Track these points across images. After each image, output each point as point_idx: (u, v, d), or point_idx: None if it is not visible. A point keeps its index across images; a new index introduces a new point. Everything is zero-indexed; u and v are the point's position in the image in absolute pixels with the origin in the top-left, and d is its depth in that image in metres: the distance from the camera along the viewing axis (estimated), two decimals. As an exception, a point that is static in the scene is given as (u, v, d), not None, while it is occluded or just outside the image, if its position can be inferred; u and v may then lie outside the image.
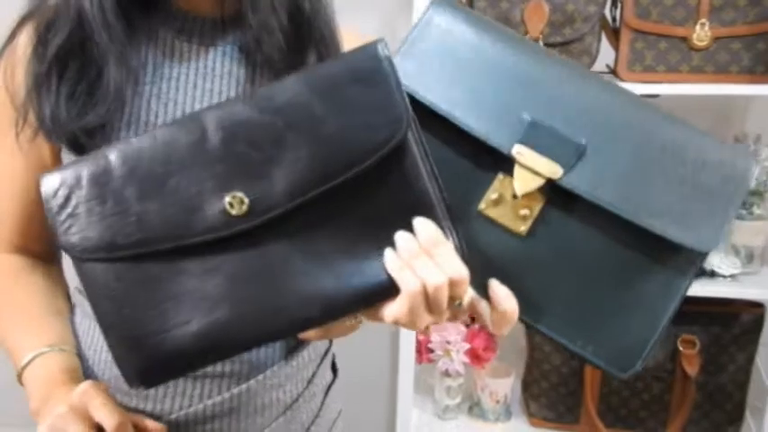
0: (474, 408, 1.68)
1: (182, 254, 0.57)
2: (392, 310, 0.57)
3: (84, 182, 0.57)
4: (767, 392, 1.46)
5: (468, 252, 0.59)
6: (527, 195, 0.60)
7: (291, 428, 0.82)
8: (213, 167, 0.56)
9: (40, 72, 0.70)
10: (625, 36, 1.37)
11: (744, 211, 1.47)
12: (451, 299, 0.57)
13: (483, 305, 0.60)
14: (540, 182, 0.60)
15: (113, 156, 0.57)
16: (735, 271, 1.44)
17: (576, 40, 1.37)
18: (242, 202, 0.56)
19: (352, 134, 0.56)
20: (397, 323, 0.57)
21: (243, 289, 0.57)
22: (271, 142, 0.56)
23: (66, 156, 0.73)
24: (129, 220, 0.56)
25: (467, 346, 1.58)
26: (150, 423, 0.70)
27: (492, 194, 0.62)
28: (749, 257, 1.48)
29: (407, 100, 0.57)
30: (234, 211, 0.56)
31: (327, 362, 0.89)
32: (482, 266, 0.61)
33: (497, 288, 0.59)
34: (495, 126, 0.61)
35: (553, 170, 0.59)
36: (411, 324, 0.57)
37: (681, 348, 1.47)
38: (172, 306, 0.57)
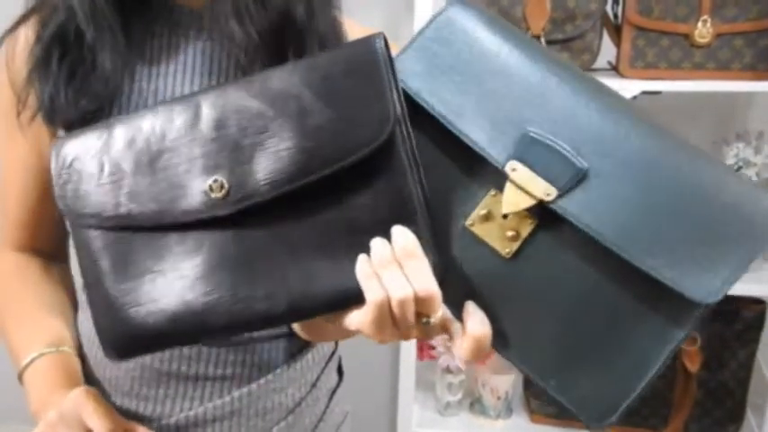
0: (475, 404, 1.69)
1: (166, 231, 0.58)
2: (356, 318, 0.55)
3: (88, 149, 0.59)
4: (768, 389, 1.46)
5: (448, 269, 0.56)
6: (516, 215, 0.56)
7: None
8: (203, 148, 0.57)
9: (40, 54, 0.70)
10: (627, 33, 1.37)
11: (745, 208, 1.47)
12: (419, 315, 0.53)
13: (455, 327, 0.56)
14: (530, 202, 0.55)
15: (117, 127, 0.59)
16: (736, 268, 1.43)
17: (577, 37, 1.37)
18: (222, 186, 0.56)
19: (338, 128, 0.55)
20: (360, 333, 0.55)
21: (217, 274, 0.56)
22: (259, 130, 0.56)
23: None
24: (121, 191, 0.58)
25: (468, 342, 1.58)
26: (142, 430, 0.70)
27: (481, 210, 0.58)
28: (751, 254, 1.47)
29: (402, 98, 0.55)
30: (213, 194, 0.56)
31: (333, 364, 0.88)
32: (461, 286, 0.57)
33: (472, 311, 0.55)
34: (495, 138, 0.57)
35: (546, 191, 0.54)
36: (375, 336, 0.54)
37: (682, 345, 1.47)
38: (148, 281, 0.57)
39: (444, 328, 0.56)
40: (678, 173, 0.53)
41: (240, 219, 0.56)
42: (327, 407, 0.86)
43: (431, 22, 0.61)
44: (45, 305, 0.79)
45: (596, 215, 0.54)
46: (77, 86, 0.69)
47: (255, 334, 0.75)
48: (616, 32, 1.41)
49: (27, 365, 0.72)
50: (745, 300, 1.47)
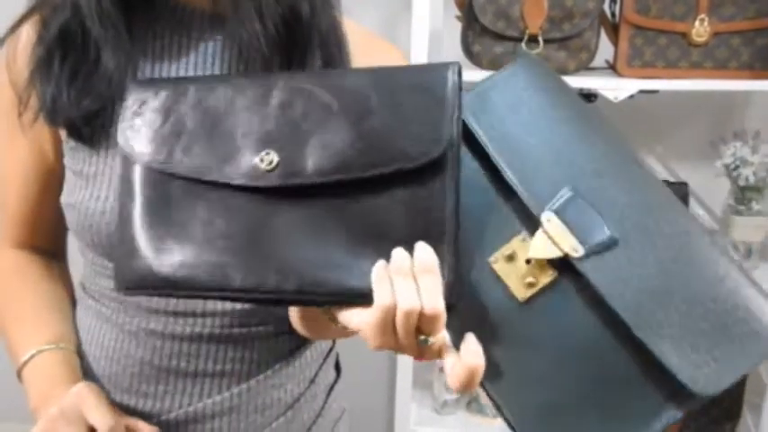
0: (472, 403, 1.69)
1: (207, 188, 0.60)
2: (358, 317, 0.56)
3: (160, 97, 0.63)
4: (765, 389, 1.47)
5: (461, 298, 0.57)
6: (539, 264, 0.58)
7: (292, 428, 0.81)
8: (264, 123, 0.60)
9: (41, 55, 0.70)
10: (624, 32, 1.37)
11: (742, 207, 1.47)
12: (419, 331, 0.54)
13: (451, 353, 0.55)
14: (556, 253, 0.57)
15: (193, 86, 0.63)
16: (734, 267, 1.43)
17: (575, 35, 1.37)
18: (272, 160, 0.58)
19: (394, 135, 0.57)
20: (359, 332, 0.56)
21: (242, 238, 0.59)
22: (321, 118, 0.59)
23: (68, 147, 0.74)
24: (178, 141, 0.61)
25: (465, 341, 1.58)
26: (143, 426, 0.71)
27: (506, 251, 0.60)
28: (748, 253, 1.48)
29: (460, 126, 0.57)
30: (262, 165, 0.58)
31: (331, 361, 0.89)
32: (468, 317, 0.59)
33: (471, 342, 0.55)
34: (538, 186, 0.59)
35: (574, 248, 0.57)
36: (373, 340, 0.55)
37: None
38: (177, 227, 0.60)
39: (440, 352, 0.56)
40: (704, 265, 0.56)
41: (279, 195, 0.59)
42: (325, 403, 0.86)
43: (498, 72, 0.64)
44: (44, 303, 0.79)
45: (618, 285, 0.55)
46: (80, 86, 0.69)
47: (254, 329, 0.76)
48: (614, 31, 1.41)
49: (26, 362, 0.73)
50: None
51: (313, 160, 0.58)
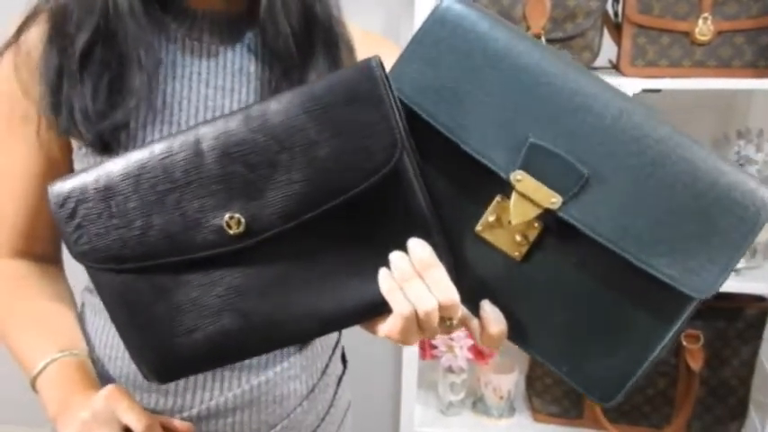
0: (477, 404, 1.69)
1: (185, 266, 0.59)
2: (384, 327, 0.59)
3: (90, 195, 0.59)
4: (771, 387, 1.46)
5: (463, 271, 0.59)
6: (523, 222, 0.58)
7: (308, 418, 0.84)
8: (210, 186, 0.57)
9: (66, 66, 0.69)
10: (627, 31, 1.37)
11: (747, 206, 1.47)
12: (442, 319, 0.57)
13: (474, 323, 0.61)
14: (536, 212, 0.57)
15: (116, 169, 0.59)
16: (738, 266, 1.43)
17: (577, 35, 1.37)
18: (239, 222, 0.57)
19: (347, 158, 0.56)
20: (389, 339, 0.59)
21: (244, 301, 0.59)
22: (266, 164, 0.57)
23: (80, 153, 0.73)
24: (133, 234, 0.58)
25: (470, 342, 1.58)
26: (178, 422, 0.71)
27: (489, 217, 0.59)
28: (753, 252, 1.47)
29: (404, 121, 0.56)
30: (231, 231, 0.57)
31: (338, 353, 0.91)
32: (476, 286, 0.60)
33: (489, 310, 0.59)
34: (498, 147, 0.58)
35: (552, 200, 0.56)
36: (403, 341, 0.58)
37: (684, 343, 1.47)
38: (178, 314, 0.60)
39: (463, 324, 0.60)
40: (678, 167, 0.54)
41: (257, 247, 0.58)
42: (336, 393, 0.89)
43: (426, 21, 0.61)
44: (51, 311, 0.78)
45: (599, 218, 0.55)
46: (105, 97, 0.69)
47: None
48: (616, 30, 1.41)
49: (40, 372, 0.72)
50: (747, 298, 1.47)
51: (279, 208, 0.57)
